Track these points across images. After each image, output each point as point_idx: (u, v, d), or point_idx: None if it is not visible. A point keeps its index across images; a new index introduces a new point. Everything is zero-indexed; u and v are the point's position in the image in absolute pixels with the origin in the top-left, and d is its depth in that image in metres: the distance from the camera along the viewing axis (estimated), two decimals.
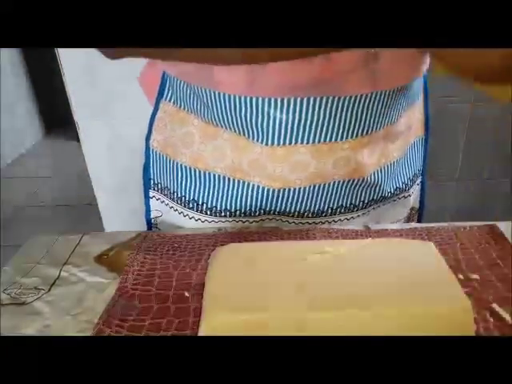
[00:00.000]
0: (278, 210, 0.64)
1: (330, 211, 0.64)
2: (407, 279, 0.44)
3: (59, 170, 2.94)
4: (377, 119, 0.58)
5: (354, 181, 0.61)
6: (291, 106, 0.55)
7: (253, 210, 0.64)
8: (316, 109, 0.55)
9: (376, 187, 0.64)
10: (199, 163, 0.63)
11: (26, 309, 0.49)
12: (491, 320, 0.43)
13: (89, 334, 0.44)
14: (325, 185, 0.61)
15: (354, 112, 0.56)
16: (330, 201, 0.63)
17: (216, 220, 0.66)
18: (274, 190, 0.61)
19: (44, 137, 3.55)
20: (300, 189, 0.61)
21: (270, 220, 0.66)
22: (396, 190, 0.68)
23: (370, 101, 0.56)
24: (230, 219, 0.66)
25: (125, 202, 1.36)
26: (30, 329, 0.46)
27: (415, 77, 0.60)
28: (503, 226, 0.58)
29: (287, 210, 0.64)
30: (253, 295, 0.43)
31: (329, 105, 0.55)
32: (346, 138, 0.57)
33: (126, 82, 1.18)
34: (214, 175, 0.63)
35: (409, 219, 0.74)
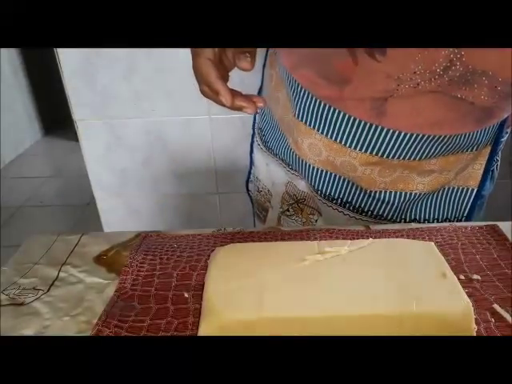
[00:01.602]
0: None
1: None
2: (408, 279, 0.44)
3: (58, 170, 2.94)
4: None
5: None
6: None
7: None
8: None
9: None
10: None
11: (25, 309, 0.49)
12: (492, 320, 0.43)
13: (88, 334, 0.44)
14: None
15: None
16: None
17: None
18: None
19: (43, 137, 3.54)
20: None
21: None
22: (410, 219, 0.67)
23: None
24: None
25: (124, 202, 1.36)
26: (29, 329, 0.46)
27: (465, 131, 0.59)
28: (504, 227, 0.58)
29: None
30: (253, 295, 0.42)
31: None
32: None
33: (125, 82, 1.18)
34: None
35: None
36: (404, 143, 0.59)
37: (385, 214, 0.66)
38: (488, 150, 0.64)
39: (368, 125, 0.59)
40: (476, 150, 0.63)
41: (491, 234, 0.57)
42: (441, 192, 0.66)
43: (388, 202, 0.65)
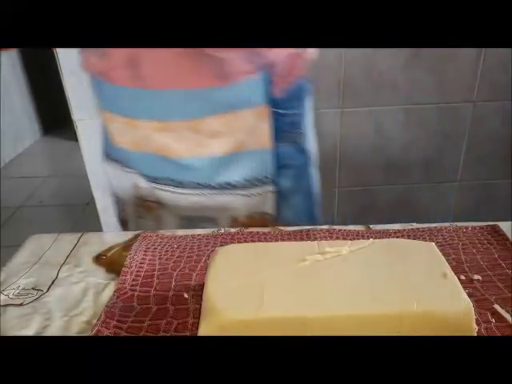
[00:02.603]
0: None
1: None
2: (408, 280, 0.44)
3: (57, 169, 2.93)
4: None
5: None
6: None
7: None
8: None
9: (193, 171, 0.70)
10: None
11: (25, 309, 0.48)
12: (493, 321, 0.43)
13: (87, 334, 0.44)
14: None
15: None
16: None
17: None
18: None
19: (42, 137, 3.54)
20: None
21: None
22: (224, 184, 0.70)
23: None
24: None
25: None
26: (29, 329, 0.46)
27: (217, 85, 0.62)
28: (505, 227, 0.58)
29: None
30: (252, 296, 0.42)
31: None
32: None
33: None
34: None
35: (261, 221, 0.75)
36: (171, 102, 0.63)
37: (192, 180, 0.70)
38: (267, 108, 0.66)
39: (131, 90, 0.63)
40: (250, 107, 0.65)
41: (492, 234, 0.57)
42: (242, 154, 0.69)
43: (191, 168, 0.69)
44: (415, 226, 0.60)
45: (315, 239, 0.57)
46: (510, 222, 0.58)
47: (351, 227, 0.60)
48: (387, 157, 1.55)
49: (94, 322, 0.45)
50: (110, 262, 0.56)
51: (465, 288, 0.43)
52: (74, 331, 0.45)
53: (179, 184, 0.71)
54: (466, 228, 0.58)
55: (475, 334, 0.41)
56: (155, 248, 0.57)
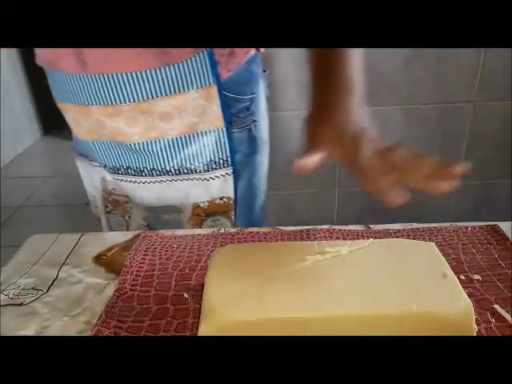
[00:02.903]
0: None
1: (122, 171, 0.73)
2: (408, 280, 0.44)
3: (57, 169, 2.93)
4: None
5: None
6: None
7: None
8: None
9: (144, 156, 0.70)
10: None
11: (25, 309, 0.48)
12: (493, 321, 0.43)
13: (87, 334, 0.44)
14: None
15: None
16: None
17: None
18: None
19: (42, 137, 3.54)
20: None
21: None
22: (182, 168, 0.70)
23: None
24: None
25: None
26: (29, 329, 0.46)
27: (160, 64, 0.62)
28: (505, 227, 0.58)
29: None
30: (252, 296, 0.42)
31: None
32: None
33: None
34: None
35: (223, 208, 0.74)
36: (118, 86, 0.64)
37: (150, 167, 0.71)
38: (215, 89, 0.66)
39: (79, 77, 0.65)
40: (197, 88, 0.65)
41: (492, 234, 0.57)
42: (195, 136, 0.69)
43: (145, 153, 0.69)
44: (415, 225, 0.60)
45: (315, 239, 0.57)
46: (509, 222, 0.58)
47: (351, 227, 0.60)
48: None
49: (94, 321, 0.45)
50: (110, 262, 0.56)
51: (465, 288, 0.43)
52: (74, 331, 0.45)
53: (138, 172, 0.72)
54: (466, 228, 0.58)
55: (475, 334, 0.41)
56: (155, 248, 0.57)
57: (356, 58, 0.55)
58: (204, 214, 0.73)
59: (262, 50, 0.75)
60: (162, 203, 0.74)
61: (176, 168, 0.70)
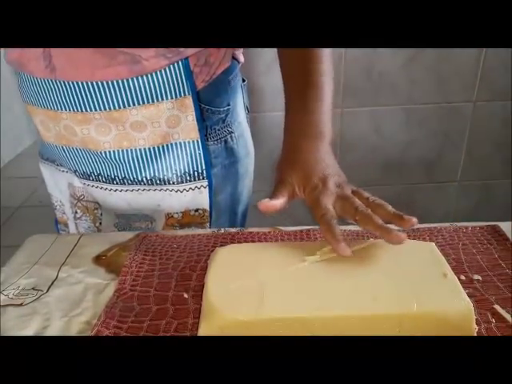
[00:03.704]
0: None
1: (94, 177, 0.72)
2: (408, 280, 0.44)
3: None
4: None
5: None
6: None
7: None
8: None
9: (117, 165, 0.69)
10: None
11: (25, 309, 0.48)
12: (493, 321, 0.43)
13: (87, 335, 0.44)
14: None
15: None
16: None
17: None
18: None
19: None
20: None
21: None
22: (155, 179, 0.69)
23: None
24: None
25: None
26: (29, 330, 0.45)
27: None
28: (505, 227, 0.58)
29: None
30: (252, 296, 0.42)
31: None
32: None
33: None
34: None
35: (198, 219, 0.73)
36: (89, 94, 0.62)
37: (121, 175, 0.69)
38: (190, 100, 0.65)
39: (48, 81, 0.63)
40: (172, 98, 0.64)
41: (492, 234, 0.57)
42: (169, 147, 0.68)
43: (117, 161, 0.68)
44: (415, 226, 0.60)
45: (315, 239, 0.58)
46: (509, 222, 0.58)
47: (351, 227, 0.60)
48: (387, 157, 1.54)
49: (94, 322, 0.45)
50: (110, 262, 0.56)
51: (465, 288, 0.43)
52: (73, 331, 0.45)
53: (110, 180, 0.70)
54: (466, 228, 0.58)
55: (475, 334, 0.41)
56: (155, 248, 0.57)
57: (326, 104, 0.57)
58: (178, 224, 0.72)
59: (242, 60, 0.73)
60: (134, 211, 0.72)
61: (149, 178, 0.69)
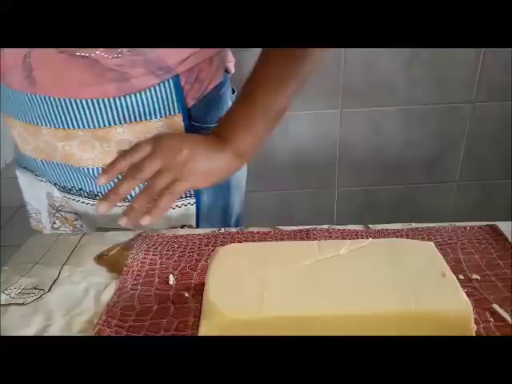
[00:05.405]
0: None
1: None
2: (407, 279, 0.44)
3: None
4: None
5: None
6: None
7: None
8: None
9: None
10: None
11: (26, 309, 0.49)
12: (492, 320, 0.43)
13: (89, 334, 0.44)
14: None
15: None
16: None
17: None
18: None
19: None
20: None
21: None
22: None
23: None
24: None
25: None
26: (30, 329, 0.46)
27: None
28: (504, 227, 0.58)
29: None
30: (253, 295, 0.42)
31: None
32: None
33: None
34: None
35: None
36: (65, 110, 0.59)
37: (105, 192, 0.66)
38: (181, 118, 0.63)
39: (27, 96, 0.60)
40: (161, 117, 0.62)
41: (490, 234, 0.57)
42: None
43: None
44: (414, 225, 0.60)
45: (315, 239, 0.58)
46: (509, 222, 0.59)
47: (350, 227, 0.60)
48: (387, 157, 1.55)
49: (96, 321, 0.45)
50: (111, 262, 0.56)
51: (464, 288, 0.43)
52: (75, 331, 0.45)
53: (92, 196, 0.68)
54: (465, 228, 0.58)
55: (474, 334, 0.41)
56: (156, 248, 0.58)
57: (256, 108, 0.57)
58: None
59: (232, 70, 0.72)
60: (116, 225, 0.69)
61: (133, 195, 0.64)
